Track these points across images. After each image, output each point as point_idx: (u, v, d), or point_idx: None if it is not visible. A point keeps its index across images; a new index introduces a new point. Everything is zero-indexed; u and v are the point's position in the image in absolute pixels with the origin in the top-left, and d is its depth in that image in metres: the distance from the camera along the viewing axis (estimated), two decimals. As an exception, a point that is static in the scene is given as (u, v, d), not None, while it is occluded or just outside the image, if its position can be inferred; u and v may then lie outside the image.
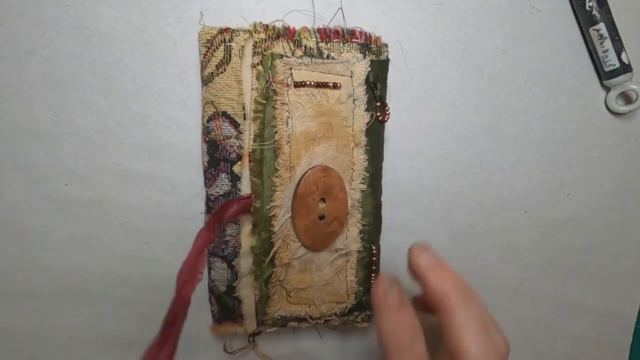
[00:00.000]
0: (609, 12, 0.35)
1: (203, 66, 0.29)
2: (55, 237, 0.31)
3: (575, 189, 0.38)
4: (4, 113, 0.29)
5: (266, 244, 0.29)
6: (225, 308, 0.31)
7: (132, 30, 0.30)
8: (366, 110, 0.30)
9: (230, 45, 0.28)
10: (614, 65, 0.35)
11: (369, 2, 0.33)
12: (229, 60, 0.29)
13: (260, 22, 0.29)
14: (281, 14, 0.31)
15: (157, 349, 0.23)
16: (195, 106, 0.31)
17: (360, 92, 0.30)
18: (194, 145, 0.31)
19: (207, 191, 0.30)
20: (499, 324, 0.23)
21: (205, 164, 0.30)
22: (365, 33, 0.31)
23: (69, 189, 0.31)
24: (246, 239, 0.30)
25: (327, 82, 0.29)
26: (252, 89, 0.29)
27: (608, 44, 0.35)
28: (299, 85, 0.29)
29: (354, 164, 0.31)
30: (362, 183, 0.31)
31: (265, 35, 0.29)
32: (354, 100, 0.30)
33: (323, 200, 0.30)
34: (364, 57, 0.30)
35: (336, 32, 0.30)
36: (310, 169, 0.29)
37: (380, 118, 0.31)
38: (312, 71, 0.29)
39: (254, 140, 0.29)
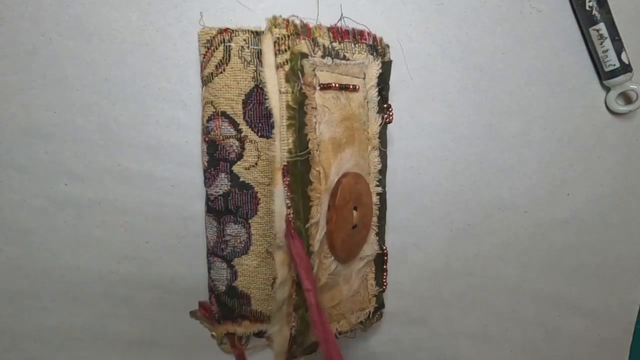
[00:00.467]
0: (609, 12, 0.35)
1: (203, 66, 0.29)
2: (55, 237, 0.31)
3: (575, 189, 0.38)
4: (4, 113, 0.29)
5: None
6: (225, 308, 0.31)
7: (132, 30, 0.30)
8: (377, 112, 0.30)
9: (229, 46, 0.28)
10: (614, 65, 0.35)
11: (369, 2, 0.33)
12: (229, 61, 0.28)
13: (280, 16, 0.26)
14: (281, 14, 0.31)
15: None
16: (195, 106, 0.31)
17: (373, 94, 0.30)
18: (194, 145, 0.31)
19: (207, 191, 0.30)
20: None
21: (205, 163, 0.30)
22: (373, 34, 0.30)
23: (69, 189, 0.31)
24: (281, 268, 0.27)
25: (348, 85, 0.28)
26: (280, 93, 0.26)
27: (608, 44, 0.35)
28: (324, 87, 0.26)
29: (370, 167, 0.31)
30: (377, 185, 0.31)
31: (287, 31, 0.26)
32: (367, 102, 0.30)
33: (354, 208, 0.28)
34: (374, 59, 0.30)
35: (346, 32, 0.29)
36: (342, 177, 0.27)
37: (388, 120, 0.31)
38: (332, 72, 0.27)
39: (290, 152, 0.25)
